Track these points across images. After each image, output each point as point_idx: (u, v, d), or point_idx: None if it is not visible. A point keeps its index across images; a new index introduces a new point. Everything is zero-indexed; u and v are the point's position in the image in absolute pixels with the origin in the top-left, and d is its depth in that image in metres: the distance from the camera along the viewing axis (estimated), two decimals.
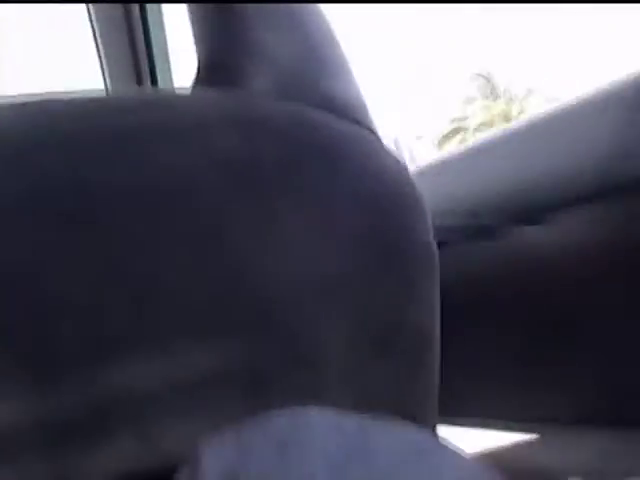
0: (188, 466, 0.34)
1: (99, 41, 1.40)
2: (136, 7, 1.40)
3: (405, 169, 0.54)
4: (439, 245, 0.55)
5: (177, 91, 0.52)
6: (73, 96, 0.48)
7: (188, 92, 0.52)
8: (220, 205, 0.46)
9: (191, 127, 0.47)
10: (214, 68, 0.54)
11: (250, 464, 0.31)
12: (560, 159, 0.69)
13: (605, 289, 0.66)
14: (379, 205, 0.51)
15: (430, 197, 0.56)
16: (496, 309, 0.72)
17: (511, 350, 0.71)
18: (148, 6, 1.39)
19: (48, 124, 0.45)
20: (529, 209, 0.68)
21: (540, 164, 0.70)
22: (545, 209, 0.68)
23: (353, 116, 0.54)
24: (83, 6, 1.40)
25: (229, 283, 0.45)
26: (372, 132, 0.55)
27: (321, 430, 0.31)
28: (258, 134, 0.48)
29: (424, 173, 0.69)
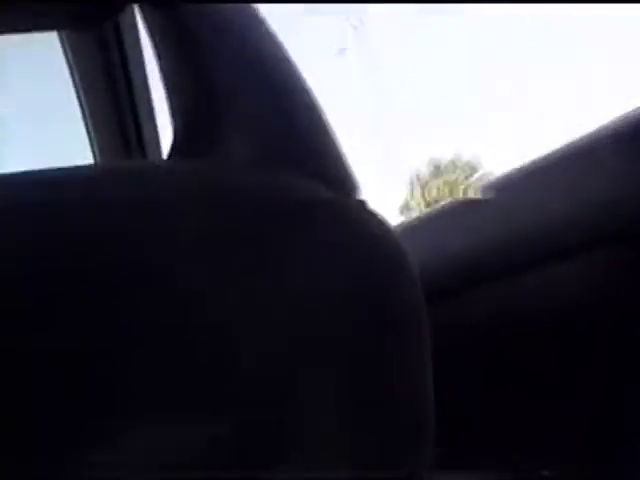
0: None
1: (87, 114, 1.41)
2: (122, 77, 1.41)
3: (389, 230, 0.54)
4: (436, 296, 0.54)
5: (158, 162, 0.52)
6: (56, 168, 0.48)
7: (164, 162, 0.51)
8: (197, 277, 0.45)
9: (161, 198, 0.47)
10: (191, 137, 0.54)
11: None
12: (555, 207, 0.68)
13: (597, 337, 0.65)
14: (359, 271, 0.50)
15: (425, 250, 0.55)
16: (492, 358, 0.71)
17: (506, 401, 0.70)
18: (133, 76, 1.39)
19: (37, 194, 0.45)
20: (525, 257, 0.67)
21: (535, 212, 0.69)
22: (540, 258, 0.67)
23: (333, 180, 0.53)
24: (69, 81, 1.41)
25: (210, 357, 0.44)
26: (352, 195, 0.54)
27: None
28: (232, 204, 0.48)
29: (417, 226, 0.69)
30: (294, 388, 0.46)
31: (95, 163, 1.39)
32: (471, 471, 0.77)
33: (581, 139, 0.68)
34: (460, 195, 0.75)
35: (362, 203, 0.54)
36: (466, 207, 0.75)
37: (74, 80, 1.41)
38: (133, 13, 1.12)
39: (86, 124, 1.44)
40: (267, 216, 0.48)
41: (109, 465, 0.42)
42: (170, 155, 0.54)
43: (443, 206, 0.77)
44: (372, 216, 0.53)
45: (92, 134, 1.44)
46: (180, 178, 0.48)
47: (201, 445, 0.44)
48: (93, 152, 1.46)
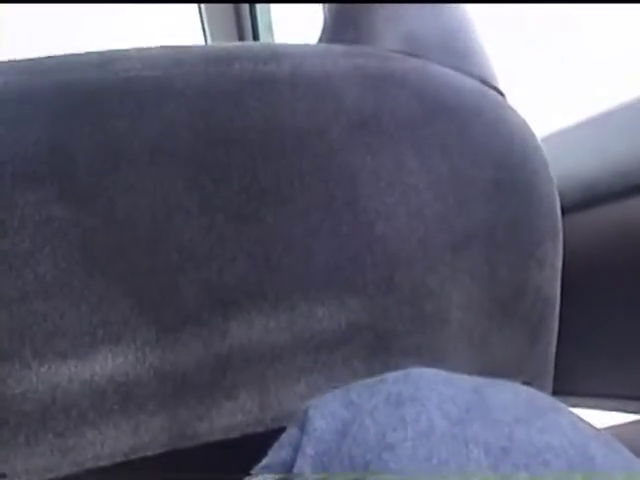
0: (297, 424, 0.33)
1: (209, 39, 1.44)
2: (248, 19, 1.43)
3: (532, 132, 0.53)
4: (561, 212, 0.54)
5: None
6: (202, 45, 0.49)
7: (318, 45, 0.52)
8: (348, 155, 0.46)
9: (320, 77, 0.47)
10: (341, 25, 0.54)
11: (363, 420, 0.30)
12: None
13: None
14: (507, 165, 0.50)
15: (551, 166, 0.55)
16: (616, 278, 0.68)
17: (630, 322, 0.68)
18: (259, 19, 1.42)
19: (188, 70, 0.46)
20: None
21: None
22: None
23: (482, 77, 0.54)
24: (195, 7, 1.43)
25: (357, 237, 0.45)
26: (500, 93, 0.54)
27: (436, 387, 0.30)
28: (387, 87, 0.48)
29: (543, 142, 0.68)
30: (434, 276, 0.47)
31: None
32: (594, 396, 0.76)
33: None
34: None
35: (505, 99, 0.54)
36: (593, 124, 0.74)
37: None
38: None
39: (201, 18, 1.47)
40: (415, 104, 0.49)
41: (259, 330, 0.44)
42: (319, 41, 0.55)
43: (569, 123, 0.75)
44: (516, 114, 0.53)
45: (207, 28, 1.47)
46: (330, 59, 0.49)
47: (342, 325, 0.45)
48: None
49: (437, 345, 0.47)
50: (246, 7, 1.41)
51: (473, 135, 0.50)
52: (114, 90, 0.44)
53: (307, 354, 0.45)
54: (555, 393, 0.54)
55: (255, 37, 1.41)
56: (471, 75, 0.53)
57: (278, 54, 0.48)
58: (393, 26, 0.53)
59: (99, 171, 0.42)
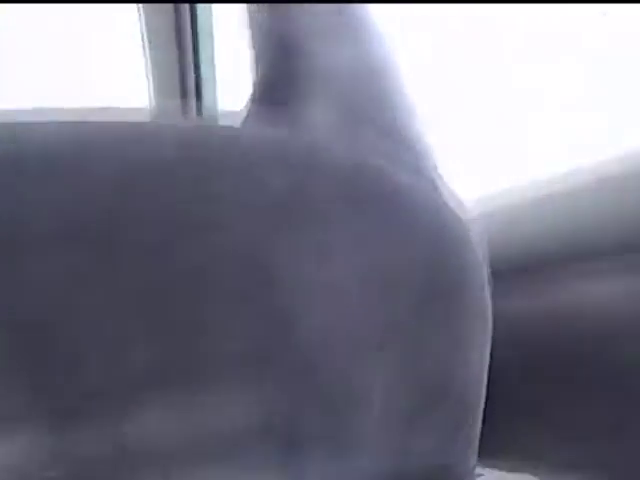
0: None
1: (147, 53, 1.42)
2: (187, 19, 1.42)
3: (466, 225, 0.52)
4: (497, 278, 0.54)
5: (227, 114, 0.52)
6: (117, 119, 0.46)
7: (241, 116, 0.51)
8: (268, 244, 0.44)
9: (242, 165, 0.45)
10: (270, 90, 0.53)
11: None
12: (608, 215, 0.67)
13: None
14: (435, 260, 0.50)
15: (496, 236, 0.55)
16: (546, 363, 0.70)
17: (559, 408, 0.69)
18: (199, 19, 1.40)
19: (109, 148, 0.43)
20: (583, 259, 0.66)
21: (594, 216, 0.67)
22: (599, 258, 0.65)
23: (414, 161, 0.53)
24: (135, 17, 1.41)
25: (273, 327, 0.44)
26: (433, 182, 0.53)
27: None
28: (311, 178, 0.47)
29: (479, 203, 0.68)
30: (355, 364, 0.46)
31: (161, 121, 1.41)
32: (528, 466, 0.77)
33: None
34: None
35: (439, 188, 0.53)
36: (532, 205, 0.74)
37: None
38: None
39: (146, 66, 1.46)
40: (338, 196, 0.47)
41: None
42: (248, 105, 0.53)
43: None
44: (448, 208, 0.52)
45: (151, 77, 1.46)
46: (254, 145, 0.47)
47: (254, 414, 0.43)
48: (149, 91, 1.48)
49: (354, 438, 0.46)
50: (186, 8, 1.39)
51: (399, 233, 0.49)
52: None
53: (217, 448, 0.43)
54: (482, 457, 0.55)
55: (195, 41, 1.40)
56: (406, 165, 0.51)
57: (198, 138, 0.46)
58: (326, 95, 0.52)
59: None
